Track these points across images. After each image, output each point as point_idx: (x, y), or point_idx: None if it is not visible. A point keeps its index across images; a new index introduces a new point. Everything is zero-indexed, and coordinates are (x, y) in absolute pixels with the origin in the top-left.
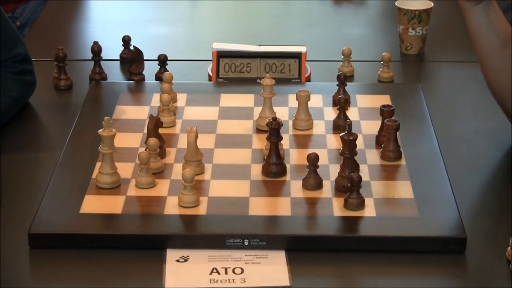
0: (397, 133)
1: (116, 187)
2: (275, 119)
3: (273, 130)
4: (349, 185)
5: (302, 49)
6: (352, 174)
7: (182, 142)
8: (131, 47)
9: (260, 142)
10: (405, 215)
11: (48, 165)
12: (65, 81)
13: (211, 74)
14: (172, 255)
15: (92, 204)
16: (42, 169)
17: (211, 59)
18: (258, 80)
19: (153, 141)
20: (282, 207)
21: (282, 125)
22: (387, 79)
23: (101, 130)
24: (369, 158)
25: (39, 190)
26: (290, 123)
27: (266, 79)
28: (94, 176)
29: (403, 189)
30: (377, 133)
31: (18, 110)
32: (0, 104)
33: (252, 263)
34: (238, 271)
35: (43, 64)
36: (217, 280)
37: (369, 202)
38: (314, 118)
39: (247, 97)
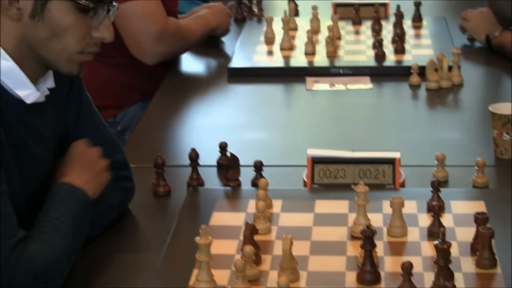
0: (492, 240)
1: None
2: (369, 227)
3: (367, 238)
4: None
5: (396, 154)
6: (446, 282)
7: (278, 249)
8: (228, 153)
9: (354, 249)
10: None
11: (145, 271)
12: (163, 187)
13: (306, 180)
14: None
15: None
16: (140, 273)
17: (306, 164)
18: (353, 186)
19: (248, 248)
20: None
21: (376, 232)
22: (482, 185)
23: (198, 238)
24: (464, 265)
25: None
26: (385, 229)
27: (360, 186)
28: (191, 283)
29: None
30: (472, 240)
31: (117, 216)
32: (99, 211)
33: None
34: None
35: (142, 170)
36: None
37: None
38: (408, 225)
39: (342, 203)
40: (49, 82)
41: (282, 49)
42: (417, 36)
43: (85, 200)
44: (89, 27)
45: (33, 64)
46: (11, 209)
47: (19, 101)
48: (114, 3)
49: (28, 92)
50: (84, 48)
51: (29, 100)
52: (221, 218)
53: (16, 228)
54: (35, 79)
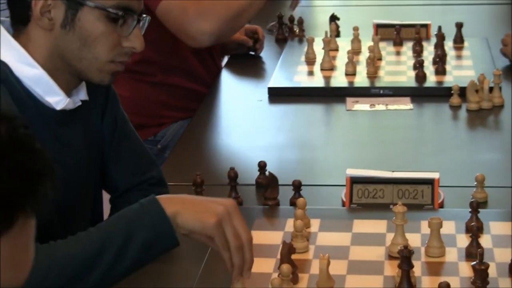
0: None
1: None
2: (406, 247)
3: (404, 258)
4: None
5: (435, 175)
6: None
7: (315, 268)
8: (267, 173)
9: (392, 269)
10: None
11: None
12: None
13: (344, 199)
14: None
15: None
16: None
17: (345, 184)
18: (391, 206)
19: (285, 267)
20: None
21: (413, 253)
22: None
23: None
24: (502, 287)
25: None
26: (423, 249)
27: (398, 206)
28: None
29: None
30: (510, 261)
31: None
32: None
33: None
34: None
35: (181, 188)
36: None
37: None
38: (446, 245)
39: (380, 223)
40: (82, 94)
41: (322, 69)
42: (459, 57)
43: (151, 211)
44: (119, 36)
45: (65, 75)
46: None
47: (50, 110)
48: (144, 15)
49: (58, 98)
50: (115, 57)
51: (58, 107)
52: (259, 236)
53: None
54: (68, 91)
